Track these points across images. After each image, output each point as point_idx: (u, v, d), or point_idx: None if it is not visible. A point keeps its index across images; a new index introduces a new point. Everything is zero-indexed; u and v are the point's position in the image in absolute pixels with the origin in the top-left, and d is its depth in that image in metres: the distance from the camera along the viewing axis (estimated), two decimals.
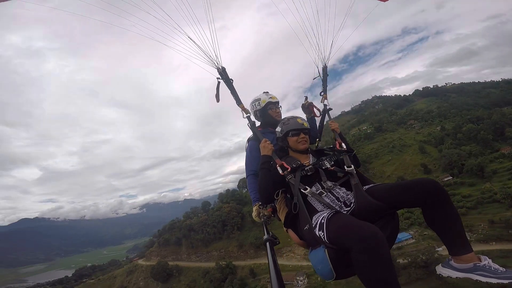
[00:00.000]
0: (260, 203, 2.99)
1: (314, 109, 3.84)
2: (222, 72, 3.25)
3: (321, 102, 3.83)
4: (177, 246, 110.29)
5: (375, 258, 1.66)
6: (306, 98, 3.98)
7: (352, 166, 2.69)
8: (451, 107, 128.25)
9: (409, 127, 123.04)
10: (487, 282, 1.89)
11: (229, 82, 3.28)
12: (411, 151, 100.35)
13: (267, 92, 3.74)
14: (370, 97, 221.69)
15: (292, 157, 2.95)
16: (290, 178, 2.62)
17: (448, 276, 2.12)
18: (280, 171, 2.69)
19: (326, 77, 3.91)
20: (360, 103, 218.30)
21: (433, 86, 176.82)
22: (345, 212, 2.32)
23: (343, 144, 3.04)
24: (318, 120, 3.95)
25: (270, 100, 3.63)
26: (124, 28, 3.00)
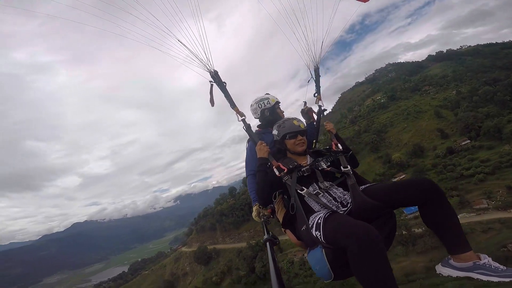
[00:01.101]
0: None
1: (314, 114, 3.82)
2: (215, 76, 3.22)
3: (316, 103, 3.80)
4: (212, 231, 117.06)
5: (370, 256, 1.63)
6: (305, 103, 3.94)
7: (349, 166, 2.67)
8: (466, 70, 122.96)
9: (424, 93, 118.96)
10: (488, 281, 1.88)
11: (222, 85, 3.25)
12: (427, 117, 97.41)
13: (269, 94, 3.73)
14: (384, 65, 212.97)
15: (289, 158, 2.90)
16: (287, 179, 2.59)
17: (448, 276, 2.10)
18: (277, 173, 2.66)
19: (319, 78, 3.88)
20: (374, 72, 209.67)
21: (447, 50, 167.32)
22: (342, 212, 2.31)
23: (339, 144, 3.04)
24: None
25: (277, 100, 3.67)
26: (117, 34, 2.93)
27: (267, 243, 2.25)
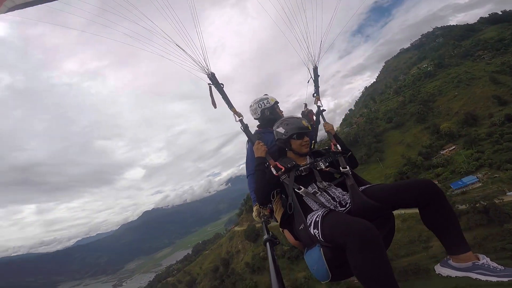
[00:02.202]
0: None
1: (314, 117, 3.75)
2: (212, 78, 3.21)
3: (314, 103, 3.75)
4: None
5: (370, 254, 1.60)
6: (306, 105, 3.89)
7: (348, 167, 2.62)
8: None
9: (477, 58, 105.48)
10: (486, 281, 1.90)
11: (219, 87, 3.22)
12: (481, 83, 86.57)
13: (268, 95, 3.71)
14: (431, 29, 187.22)
15: (288, 158, 2.85)
16: (284, 178, 2.56)
17: (447, 276, 2.08)
18: (274, 172, 2.63)
19: (318, 78, 3.82)
20: (420, 36, 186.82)
21: (503, 11, 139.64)
22: (341, 211, 2.27)
23: (338, 145, 2.99)
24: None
25: (276, 99, 3.66)
26: (112, 39, 2.96)
27: (267, 243, 2.23)
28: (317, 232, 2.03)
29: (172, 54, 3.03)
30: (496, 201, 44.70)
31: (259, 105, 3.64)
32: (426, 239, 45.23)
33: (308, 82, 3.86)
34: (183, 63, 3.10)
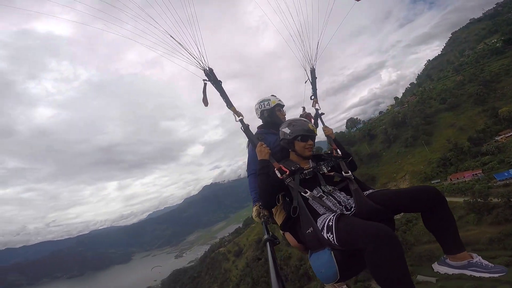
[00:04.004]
0: (260, 203, 2.90)
1: (312, 120, 3.67)
2: (210, 74, 3.03)
3: (312, 106, 3.66)
4: None
5: (390, 256, 1.64)
6: (304, 108, 3.83)
7: (350, 172, 2.63)
8: None
9: None
10: (480, 277, 2.04)
11: (218, 84, 3.07)
12: None
13: (275, 95, 3.60)
14: None
15: (291, 160, 2.84)
16: (289, 181, 2.52)
17: (445, 273, 2.26)
18: (279, 175, 2.58)
19: (315, 79, 3.73)
20: (495, 5, 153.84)
21: None
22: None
23: (338, 150, 2.98)
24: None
25: (279, 102, 3.53)
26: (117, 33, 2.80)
27: (267, 243, 2.21)
28: (331, 236, 2.01)
29: (164, 46, 2.88)
30: None
31: (260, 105, 3.56)
32: None
33: (305, 83, 3.77)
34: (177, 56, 2.92)
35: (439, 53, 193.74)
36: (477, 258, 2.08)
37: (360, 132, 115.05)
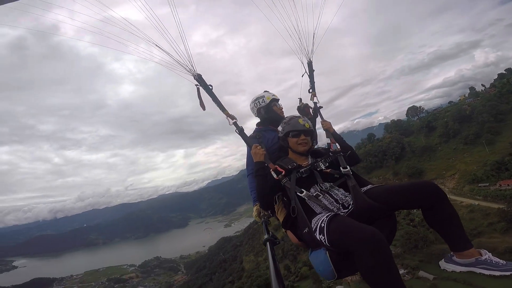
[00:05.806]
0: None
1: (311, 110, 3.65)
2: (199, 79, 3.08)
3: (311, 99, 3.63)
4: None
5: (379, 260, 1.63)
6: (301, 100, 3.80)
7: (348, 167, 2.57)
8: None
9: None
10: (490, 275, 1.99)
11: (208, 89, 3.10)
12: None
13: (268, 91, 3.59)
14: None
15: (289, 158, 2.80)
16: (285, 181, 2.50)
17: (452, 271, 2.17)
18: (275, 176, 2.57)
19: (313, 72, 3.69)
20: None
21: None
22: (343, 213, 2.23)
23: (337, 144, 2.95)
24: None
25: (274, 97, 3.51)
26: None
27: (267, 243, 2.21)
28: (323, 237, 1.99)
29: (155, 56, 2.93)
30: None
31: (255, 104, 3.56)
32: (476, 233, 43.75)
33: (302, 76, 3.78)
34: (168, 65, 2.99)
35: None
36: (486, 255, 2.01)
37: (420, 122, 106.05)
